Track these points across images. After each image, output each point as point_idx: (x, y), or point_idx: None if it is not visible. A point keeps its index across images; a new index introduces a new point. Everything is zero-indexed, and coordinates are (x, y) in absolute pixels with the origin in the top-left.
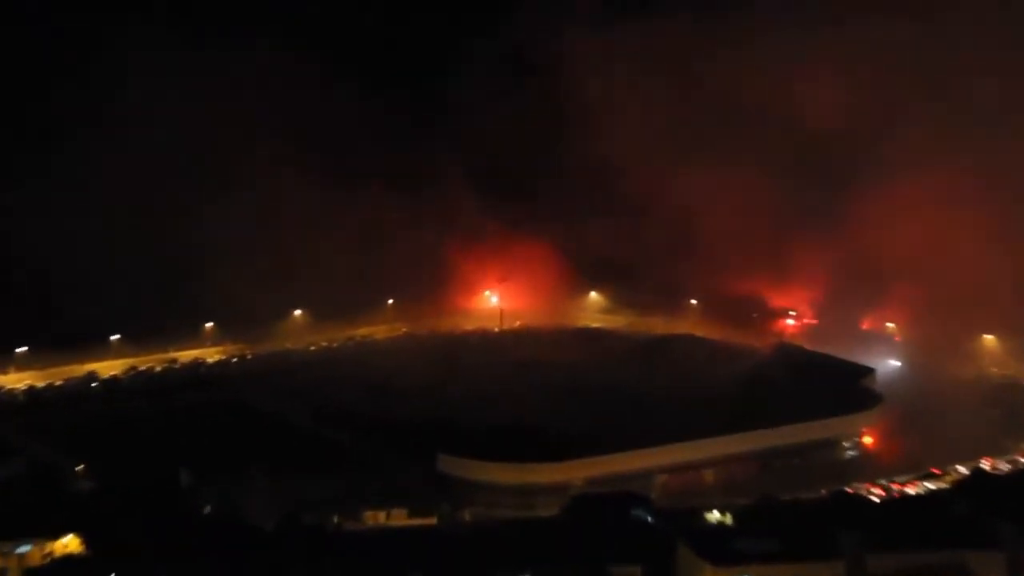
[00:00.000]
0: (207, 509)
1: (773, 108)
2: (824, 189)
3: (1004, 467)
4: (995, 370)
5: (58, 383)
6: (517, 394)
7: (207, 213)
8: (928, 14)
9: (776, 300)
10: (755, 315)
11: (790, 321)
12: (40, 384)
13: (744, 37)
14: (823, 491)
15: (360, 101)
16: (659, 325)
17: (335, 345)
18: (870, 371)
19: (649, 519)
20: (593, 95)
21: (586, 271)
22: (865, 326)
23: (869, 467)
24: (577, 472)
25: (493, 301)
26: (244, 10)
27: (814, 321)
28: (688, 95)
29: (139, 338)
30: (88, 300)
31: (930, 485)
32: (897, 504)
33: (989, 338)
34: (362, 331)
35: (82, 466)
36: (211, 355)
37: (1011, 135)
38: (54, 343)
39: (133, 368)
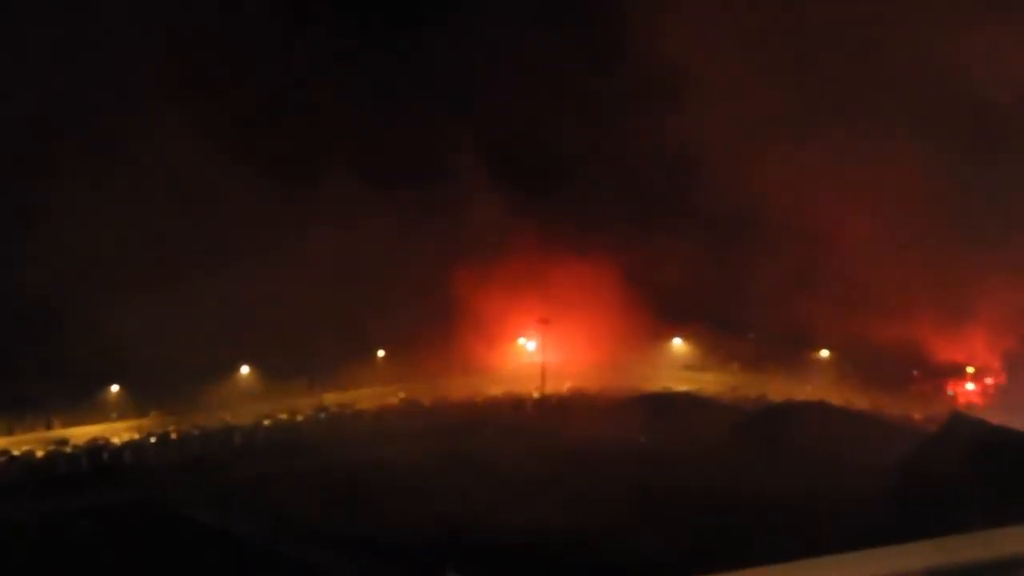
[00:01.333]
0: None
1: (942, 70)
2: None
3: None
4: None
5: None
6: (566, 492)
7: (101, 219)
8: None
9: (947, 352)
10: (916, 373)
11: (969, 385)
12: None
13: None
14: None
15: (324, 53)
16: (776, 388)
17: (300, 419)
18: None
19: None
20: (672, 51)
21: (667, 309)
22: None
23: None
24: None
25: (531, 351)
26: None
27: (1003, 381)
28: (815, 51)
29: (10, 409)
30: None
31: None
32: None
33: None
34: (340, 398)
35: None
36: (118, 433)
37: None
38: None
39: (4, 453)
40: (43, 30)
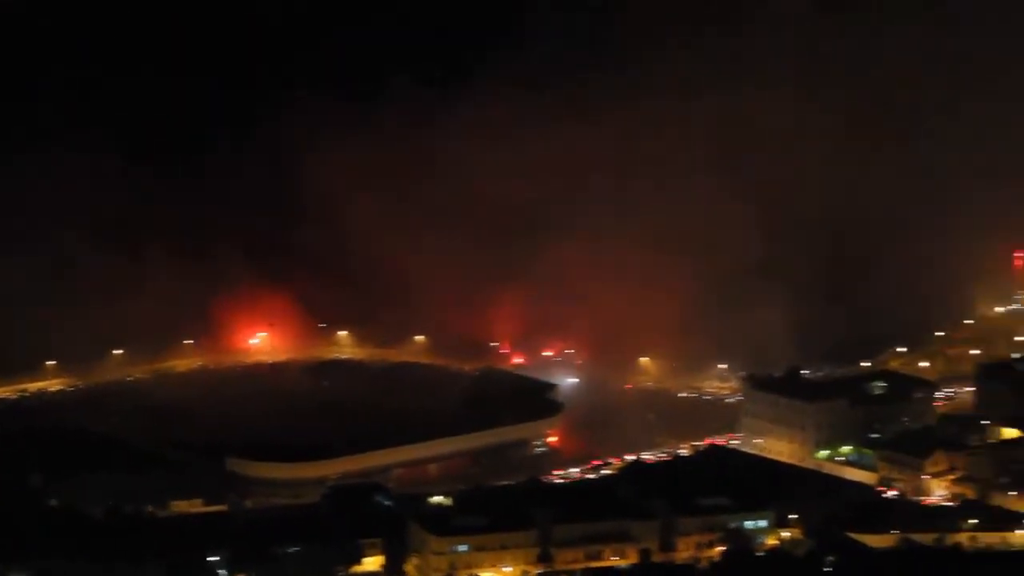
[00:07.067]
0: (53, 503)
1: (481, 186)
2: (524, 249)
3: (657, 457)
4: (649, 384)
5: None
6: (286, 411)
7: None
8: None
9: (488, 333)
10: (470, 346)
11: (504, 350)
12: None
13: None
14: (520, 478)
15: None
16: (393, 355)
17: (148, 377)
18: (553, 386)
19: (388, 503)
20: (320, 166)
21: (339, 314)
22: (551, 351)
23: (554, 460)
24: (332, 469)
25: (266, 340)
26: None
27: (512, 348)
28: (414, 176)
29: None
30: None
31: (602, 472)
32: (576, 487)
33: (645, 359)
34: (171, 364)
35: None
36: (53, 386)
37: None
38: None
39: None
40: None
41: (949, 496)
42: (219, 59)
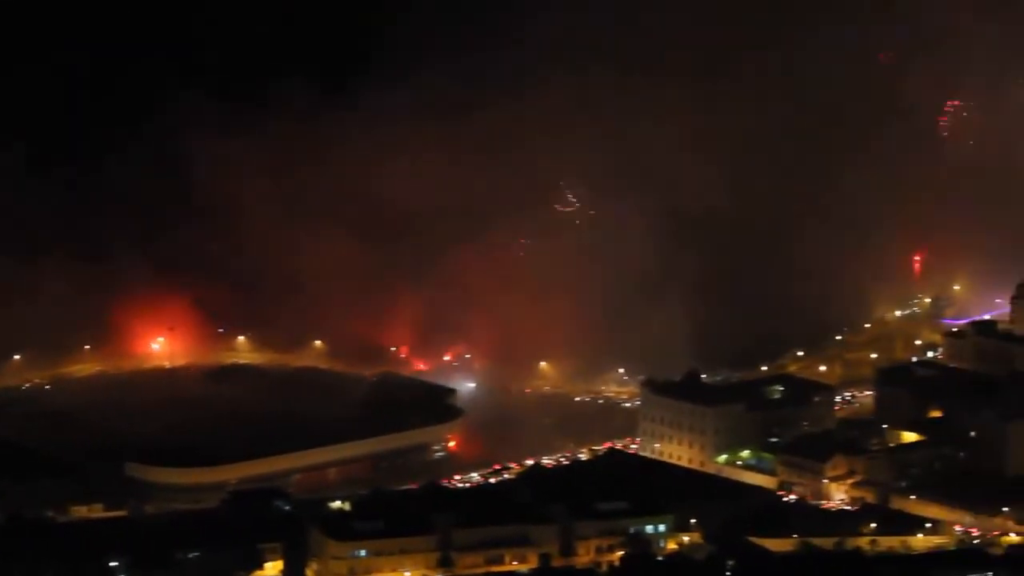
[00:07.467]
0: None
1: (378, 189)
2: (422, 253)
3: (556, 462)
4: (548, 388)
5: None
6: (186, 416)
7: None
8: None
9: (387, 338)
10: (369, 351)
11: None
12: None
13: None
14: (420, 483)
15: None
16: (292, 360)
17: (47, 382)
18: (452, 391)
19: (287, 508)
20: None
21: (237, 319)
22: (449, 356)
23: (454, 464)
24: (232, 474)
25: (165, 345)
26: None
27: (411, 354)
28: (310, 178)
29: None
30: None
31: (502, 476)
32: (476, 491)
33: (544, 364)
34: (69, 369)
35: None
36: None
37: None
38: None
39: None
40: None
41: (849, 500)
42: (108, 56)
